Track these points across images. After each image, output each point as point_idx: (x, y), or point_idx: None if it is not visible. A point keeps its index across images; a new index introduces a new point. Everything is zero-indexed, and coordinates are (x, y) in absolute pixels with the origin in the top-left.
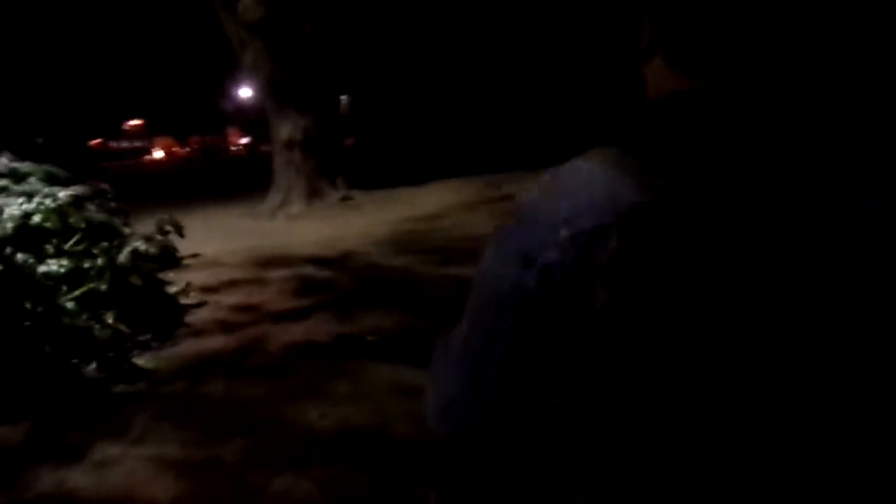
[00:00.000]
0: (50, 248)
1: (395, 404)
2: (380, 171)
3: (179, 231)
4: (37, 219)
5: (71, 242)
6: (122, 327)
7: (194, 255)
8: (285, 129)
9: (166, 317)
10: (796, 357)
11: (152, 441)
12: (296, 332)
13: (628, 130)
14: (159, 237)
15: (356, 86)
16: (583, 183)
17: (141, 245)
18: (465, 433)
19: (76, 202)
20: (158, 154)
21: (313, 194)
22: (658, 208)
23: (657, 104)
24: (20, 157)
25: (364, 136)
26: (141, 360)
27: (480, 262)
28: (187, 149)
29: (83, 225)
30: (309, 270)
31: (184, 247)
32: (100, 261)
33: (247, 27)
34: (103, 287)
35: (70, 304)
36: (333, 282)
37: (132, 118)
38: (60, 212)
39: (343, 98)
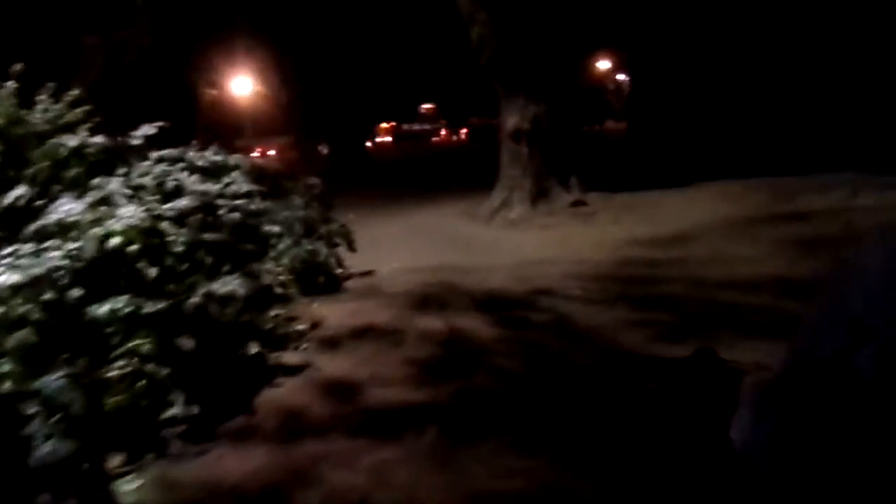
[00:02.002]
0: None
1: None
2: (640, 168)
3: (350, 244)
4: (116, 241)
5: (153, 272)
6: (177, 404)
7: (366, 273)
8: (512, 118)
9: (234, 394)
10: None
11: None
12: (360, 469)
13: None
14: (324, 250)
15: (640, 64)
16: None
17: (231, 284)
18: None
19: (179, 217)
20: (442, 135)
21: (539, 196)
22: None
23: None
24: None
25: (640, 122)
26: (128, 486)
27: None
28: (467, 130)
29: (179, 249)
30: (469, 323)
31: (368, 258)
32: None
33: None
34: (146, 348)
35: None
36: (485, 354)
37: (427, 102)
38: (152, 231)
39: (621, 78)
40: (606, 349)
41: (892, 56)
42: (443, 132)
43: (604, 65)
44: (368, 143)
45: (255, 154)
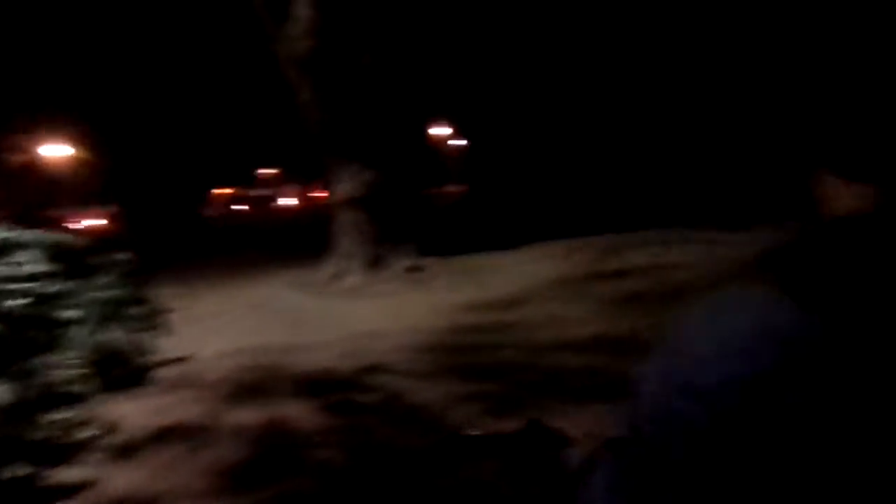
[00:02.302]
0: None
1: None
2: (476, 230)
3: (165, 326)
4: None
5: None
6: None
7: (181, 359)
8: (344, 184)
9: None
10: None
11: None
12: None
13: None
14: (131, 335)
15: (475, 129)
16: (745, 318)
17: None
18: None
19: None
20: (285, 201)
21: (375, 263)
22: (832, 355)
23: (831, 227)
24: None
25: (477, 185)
26: None
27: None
28: (311, 195)
29: None
30: (291, 412)
31: (188, 340)
32: None
33: (296, 64)
34: None
35: None
36: (306, 449)
37: (271, 166)
38: None
39: (460, 143)
40: (437, 429)
41: (707, 120)
42: (297, 197)
43: (444, 130)
44: (210, 210)
45: (77, 224)
